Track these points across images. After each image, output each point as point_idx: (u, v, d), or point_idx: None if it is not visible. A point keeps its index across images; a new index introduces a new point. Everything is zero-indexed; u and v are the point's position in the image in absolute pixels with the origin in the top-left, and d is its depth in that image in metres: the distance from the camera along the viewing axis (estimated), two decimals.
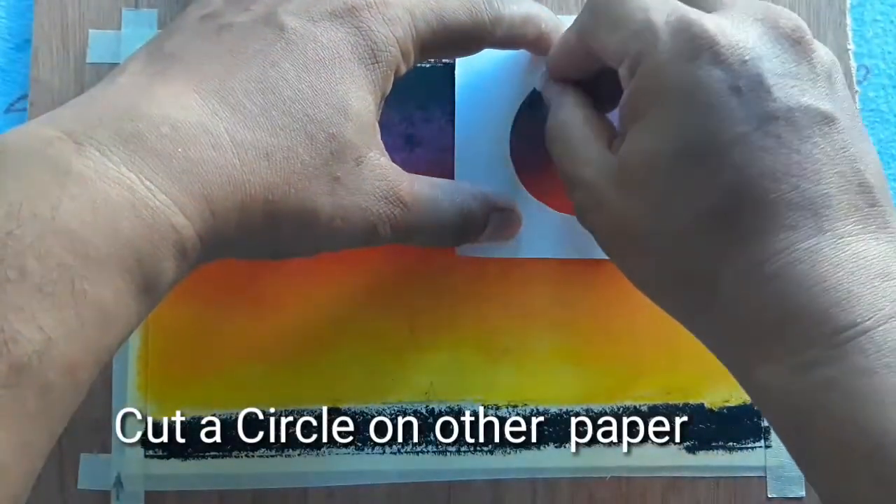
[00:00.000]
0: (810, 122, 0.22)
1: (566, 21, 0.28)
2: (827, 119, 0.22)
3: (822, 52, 0.23)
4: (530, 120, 0.32)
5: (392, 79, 0.25)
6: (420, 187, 0.26)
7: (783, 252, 0.21)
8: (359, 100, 0.24)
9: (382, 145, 0.25)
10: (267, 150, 0.22)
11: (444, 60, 0.33)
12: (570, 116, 0.27)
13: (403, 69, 0.26)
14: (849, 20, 0.34)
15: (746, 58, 0.22)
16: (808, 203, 0.21)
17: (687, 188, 0.22)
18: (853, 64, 0.34)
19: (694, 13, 0.23)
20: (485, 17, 0.26)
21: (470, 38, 0.27)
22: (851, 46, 0.34)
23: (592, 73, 0.28)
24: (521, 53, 0.32)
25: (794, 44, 0.23)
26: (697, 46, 0.22)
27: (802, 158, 0.21)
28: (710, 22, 0.23)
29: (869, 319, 0.20)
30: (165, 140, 0.21)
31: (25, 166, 0.19)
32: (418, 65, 0.27)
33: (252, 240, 0.23)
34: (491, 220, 0.29)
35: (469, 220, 0.28)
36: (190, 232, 0.21)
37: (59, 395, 0.19)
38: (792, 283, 0.21)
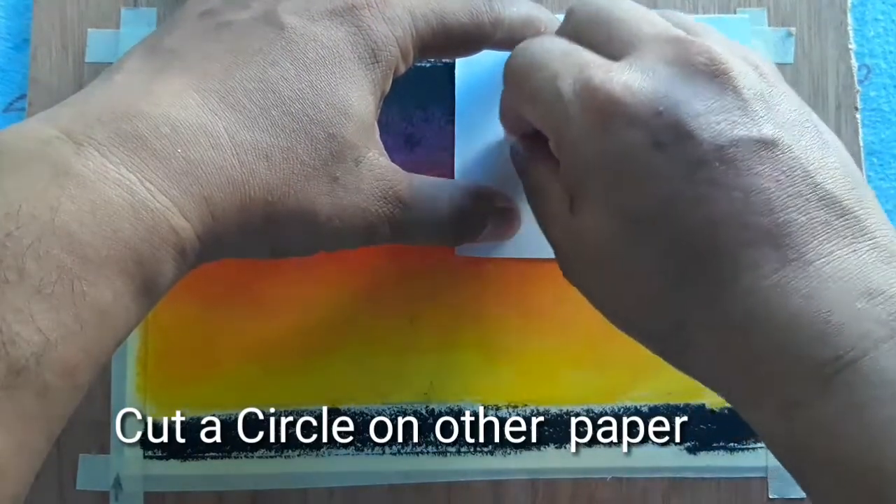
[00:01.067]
0: (747, 154, 0.20)
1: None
2: (766, 144, 0.20)
3: (748, 75, 0.21)
4: None
5: (391, 78, 0.25)
6: (419, 186, 0.26)
7: (748, 295, 0.20)
8: (359, 99, 0.24)
9: (381, 144, 0.25)
10: (267, 150, 0.22)
11: (443, 60, 0.33)
12: (532, 177, 0.27)
13: (403, 68, 0.26)
14: (850, 19, 0.34)
15: (660, 109, 0.21)
16: (765, 237, 0.20)
17: (639, 257, 0.22)
18: (854, 63, 0.34)
19: (598, 75, 0.22)
20: (485, 19, 0.26)
21: (469, 39, 0.26)
22: (852, 46, 0.34)
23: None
24: None
25: (712, 78, 0.21)
26: (607, 114, 0.21)
27: (745, 195, 0.20)
28: (616, 83, 0.21)
29: (853, 349, 0.19)
30: (165, 140, 0.21)
31: (24, 166, 0.19)
32: (418, 64, 0.27)
33: (251, 239, 0.23)
34: (490, 218, 0.29)
35: (468, 218, 0.28)
36: (189, 233, 0.21)
37: (58, 396, 0.19)
38: (764, 325, 0.20)
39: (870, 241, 0.20)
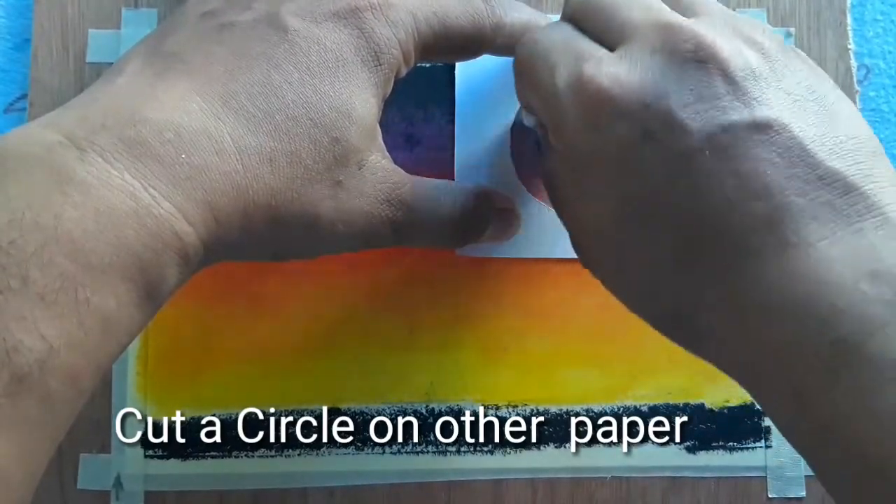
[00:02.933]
0: (740, 139, 0.20)
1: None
2: (759, 126, 0.20)
3: (740, 56, 0.21)
4: (530, 120, 0.32)
5: (393, 80, 0.25)
6: (421, 189, 0.26)
7: (751, 282, 0.20)
8: (362, 103, 0.24)
9: (384, 147, 0.25)
10: (270, 154, 0.22)
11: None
12: (549, 163, 0.26)
13: (404, 71, 0.26)
14: (849, 20, 0.34)
15: (648, 101, 0.20)
16: (765, 222, 0.19)
17: (642, 246, 0.22)
18: (853, 63, 0.34)
19: (590, 68, 0.22)
20: (486, 24, 0.26)
21: (470, 43, 0.27)
22: (852, 46, 0.34)
23: None
24: None
25: (700, 64, 0.20)
26: (597, 108, 0.21)
27: (740, 181, 0.20)
28: (605, 75, 0.21)
29: (856, 333, 0.18)
30: (169, 146, 0.20)
31: (27, 172, 0.19)
32: (418, 64, 0.27)
33: (253, 243, 0.23)
34: (492, 220, 0.29)
35: (471, 220, 0.28)
36: (193, 239, 0.21)
37: (61, 402, 0.19)
38: (768, 312, 0.19)
39: (878, 218, 0.19)
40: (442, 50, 0.26)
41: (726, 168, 0.20)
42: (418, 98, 0.32)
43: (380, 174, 0.25)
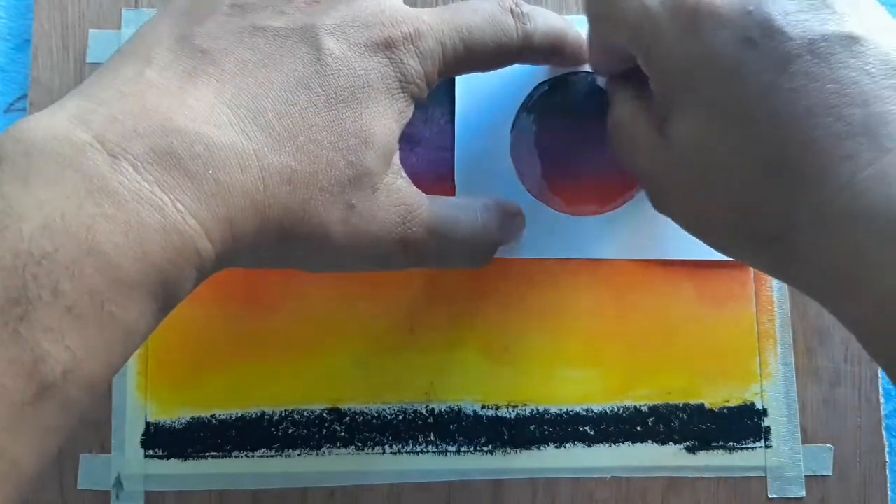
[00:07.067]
0: (838, 48, 0.21)
1: (571, 21, 0.29)
2: (855, 39, 0.21)
3: None
4: (530, 120, 0.33)
5: (413, 105, 0.25)
6: (441, 209, 0.26)
7: (846, 186, 0.20)
8: (382, 128, 0.24)
9: (400, 167, 0.25)
10: (290, 175, 0.22)
11: None
12: (619, 113, 0.27)
13: (425, 95, 0.26)
14: None
15: (750, 8, 0.22)
16: (860, 128, 0.20)
17: (739, 155, 0.22)
18: None
19: None
20: (514, 43, 0.26)
21: (492, 60, 0.27)
22: None
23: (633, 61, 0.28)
24: None
25: None
26: (698, 18, 0.22)
27: (839, 87, 0.21)
28: None
29: None
30: (198, 160, 0.20)
31: (58, 174, 0.19)
32: None
33: (262, 258, 0.23)
34: (504, 228, 0.29)
35: (488, 236, 0.28)
36: (210, 254, 0.21)
37: (78, 408, 0.19)
38: (863, 217, 0.20)
39: None
40: (465, 68, 0.27)
41: (825, 73, 0.21)
42: None
43: (394, 196, 0.25)
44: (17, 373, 0.18)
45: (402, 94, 0.24)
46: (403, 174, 0.25)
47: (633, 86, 0.27)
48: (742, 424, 0.32)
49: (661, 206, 0.26)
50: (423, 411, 0.32)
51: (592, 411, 0.32)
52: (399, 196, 0.25)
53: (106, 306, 0.19)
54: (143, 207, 0.19)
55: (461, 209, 0.27)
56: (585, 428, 0.32)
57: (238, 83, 0.22)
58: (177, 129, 0.21)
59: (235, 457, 0.31)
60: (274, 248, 0.23)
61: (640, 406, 0.32)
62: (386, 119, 0.24)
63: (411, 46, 0.24)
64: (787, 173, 0.21)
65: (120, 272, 0.19)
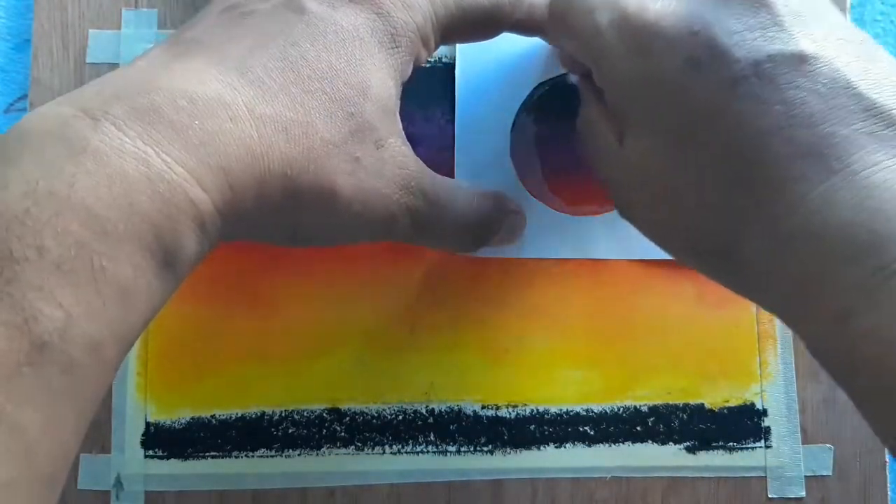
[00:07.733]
0: (785, 68, 0.21)
1: None
2: (804, 58, 0.21)
3: None
4: (530, 120, 0.32)
5: (412, 65, 0.25)
6: (441, 182, 0.26)
7: (795, 206, 0.20)
8: (378, 81, 0.24)
9: (404, 135, 0.25)
10: (285, 124, 0.22)
11: (444, 60, 0.33)
12: (585, 113, 0.27)
13: (424, 55, 0.26)
14: (849, 19, 0.34)
15: (696, 28, 0.21)
16: (809, 149, 0.20)
17: (687, 175, 0.22)
18: None
19: (632, 4, 0.23)
20: (505, 7, 0.26)
21: (489, 22, 0.27)
22: None
23: None
24: (522, 54, 0.32)
25: None
26: (644, 38, 0.22)
27: (787, 108, 0.20)
28: (651, 10, 0.22)
29: None
30: (182, 112, 0.20)
31: (42, 145, 0.19)
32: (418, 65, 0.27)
33: (271, 218, 0.23)
34: (505, 223, 0.29)
35: (486, 222, 0.28)
36: (208, 205, 0.21)
37: (84, 373, 0.19)
38: (811, 237, 0.20)
39: None
40: (461, 31, 0.26)
41: (772, 95, 0.21)
42: (418, 98, 0.32)
43: (399, 159, 0.25)
44: (9, 335, 0.17)
45: (395, 50, 0.24)
46: (408, 144, 0.25)
47: (596, 87, 0.27)
48: (742, 424, 0.32)
49: (622, 211, 0.26)
50: (423, 411, 0.32)
51: (592, 411, 0.32)
52: (404, 160, 0.25)
53: (96, 261, 0.18)
54: (126, 161, 0.19)
55: (459, 188, 0.27)
56: (585, 428, 0.32)
57: (225, 50, 0.22)
58: (158, 88, 0.21)
59: (235, 457, 0.31)
60: (280, 205, 0.22)
61: (640, 406, 0.32)
62: (381, 73, 0.24)
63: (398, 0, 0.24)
64: (738, 194, 0.21)
65: (107, 224, 0.19)
